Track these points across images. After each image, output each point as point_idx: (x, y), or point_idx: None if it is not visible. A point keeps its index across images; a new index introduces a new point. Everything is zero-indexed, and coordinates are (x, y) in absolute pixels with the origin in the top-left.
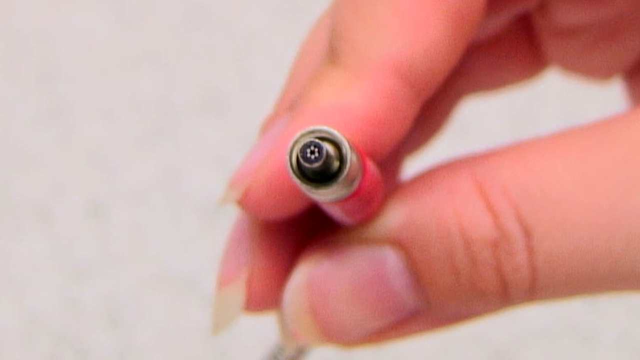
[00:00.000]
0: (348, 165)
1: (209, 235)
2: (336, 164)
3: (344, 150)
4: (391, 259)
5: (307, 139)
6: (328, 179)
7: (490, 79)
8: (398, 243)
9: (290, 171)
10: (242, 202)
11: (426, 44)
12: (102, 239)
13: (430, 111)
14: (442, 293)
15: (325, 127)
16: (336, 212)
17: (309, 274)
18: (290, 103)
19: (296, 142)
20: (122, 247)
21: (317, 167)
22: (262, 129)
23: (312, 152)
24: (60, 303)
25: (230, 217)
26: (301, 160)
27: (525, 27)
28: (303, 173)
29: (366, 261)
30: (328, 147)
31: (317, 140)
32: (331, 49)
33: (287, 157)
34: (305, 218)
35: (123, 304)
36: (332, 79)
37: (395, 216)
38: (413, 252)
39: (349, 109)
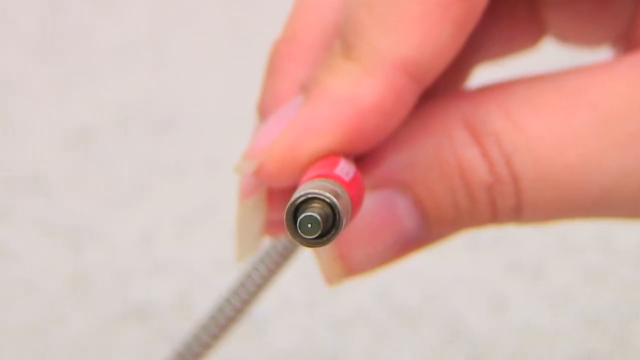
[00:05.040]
0: (342, 228)
1: None
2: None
3: (337, 216)
4: (400, 199)
5: (306, 212)
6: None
7: (496, 49)
8: (404, 184)
9: (289, 233)
10: (257, 174)
11: (434, 47)
12: None
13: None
14: (445, 223)
15: (320, 192)
16: None
17: None
18: (302, 85)
19: (294, 206)
20: None
21: (313, 237)
22: (260, 104)
23: (310, 223)
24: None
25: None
26: (299, 230)
27: None
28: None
29: (379, 204)
30: (325, 211)
31: (315, 215)
32: (346, 43)
33: (286, 220)
34: None
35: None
36: (346, 70)
37: (400, 160)
38: (419, 190)
39: (360, 100)
